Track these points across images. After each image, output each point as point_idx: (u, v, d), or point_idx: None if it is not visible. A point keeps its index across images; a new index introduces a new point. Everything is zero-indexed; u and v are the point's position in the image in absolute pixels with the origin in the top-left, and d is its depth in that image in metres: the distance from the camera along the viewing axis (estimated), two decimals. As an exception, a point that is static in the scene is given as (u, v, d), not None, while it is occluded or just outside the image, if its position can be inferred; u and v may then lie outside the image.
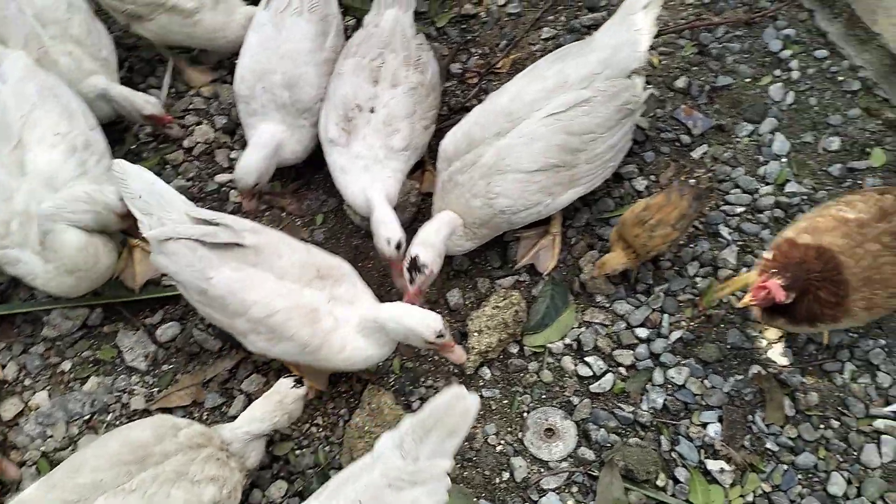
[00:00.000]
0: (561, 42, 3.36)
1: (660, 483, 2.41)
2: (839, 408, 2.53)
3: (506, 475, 2.46)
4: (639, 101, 2.63)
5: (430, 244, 2.48)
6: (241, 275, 2.24)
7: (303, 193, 3.04)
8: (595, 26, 3.36)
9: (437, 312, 2.28)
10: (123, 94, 2.89)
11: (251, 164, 2.70)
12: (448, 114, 3.21)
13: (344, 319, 2.28)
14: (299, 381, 2.29)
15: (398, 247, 2.56)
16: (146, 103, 2.92)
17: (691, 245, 2.84)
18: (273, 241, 2.32)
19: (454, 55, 3.40)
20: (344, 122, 2.72)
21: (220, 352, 2.69)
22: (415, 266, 2.45)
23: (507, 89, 2.61)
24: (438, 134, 3.12)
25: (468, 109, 3.15)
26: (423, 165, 3.02)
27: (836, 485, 2.41)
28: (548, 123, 2.47)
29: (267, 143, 2.74)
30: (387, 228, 2.55)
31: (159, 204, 2.32)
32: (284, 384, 2.27)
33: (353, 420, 2.44)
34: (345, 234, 2.94)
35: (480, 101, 3.18)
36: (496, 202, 2.50)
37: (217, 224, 2.30)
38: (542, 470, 2.46)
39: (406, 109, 2.71)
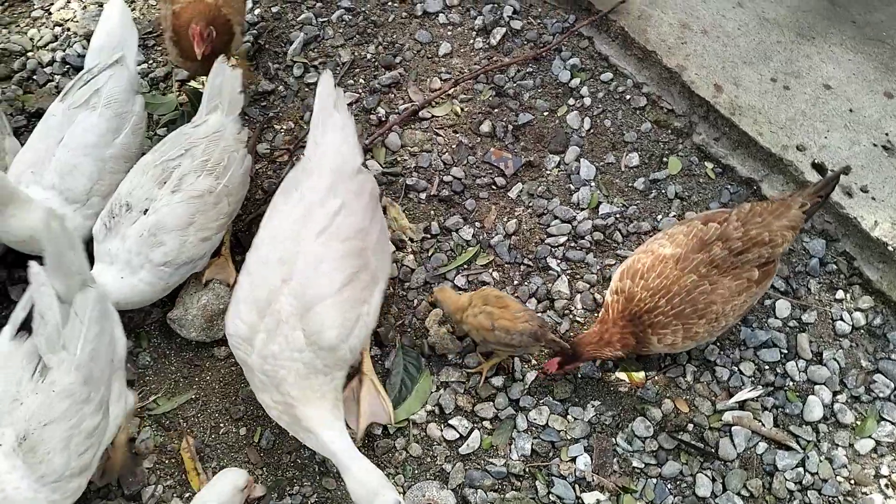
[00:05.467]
0: (364, 105, 3.36)
1: (544, 530, 2.44)
2: (689, 410, 2.67)
3: (394, 564, 2.39)
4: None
5: None
6: None
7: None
8: (394, 84, 3.42)
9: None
10: None
11: None
12: (263, 197, 3.12)
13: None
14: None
15: None
16: None
17: (525, 283, 2.90)
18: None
19: (259, 135, 3.32)
20: (108, 217, 2.59)
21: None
22: None
23: (260, 244, 2.42)
24: (257, 220, 3.05)
25: (284, 189, 3.11)
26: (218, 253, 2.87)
27: (703, 486, 2.52)
28: (323, 242, 2.34)
29: None
30: None
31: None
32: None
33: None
34: (174, 348, 2.76)
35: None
36: (324, 337, 2.26)
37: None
38: (429, 549, 2.41)
39: (179, 220, 2.56)
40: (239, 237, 3.00)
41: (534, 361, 2.74)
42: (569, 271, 2.94)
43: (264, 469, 2.53)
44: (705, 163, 3.18)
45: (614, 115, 3.32)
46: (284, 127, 3.35)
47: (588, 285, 2.90)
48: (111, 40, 2.92)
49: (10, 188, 2.48)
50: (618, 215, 3.05)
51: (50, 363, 2.07)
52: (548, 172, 3.18)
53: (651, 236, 2.96)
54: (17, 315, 2.14)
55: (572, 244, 3.00)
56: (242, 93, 2.84)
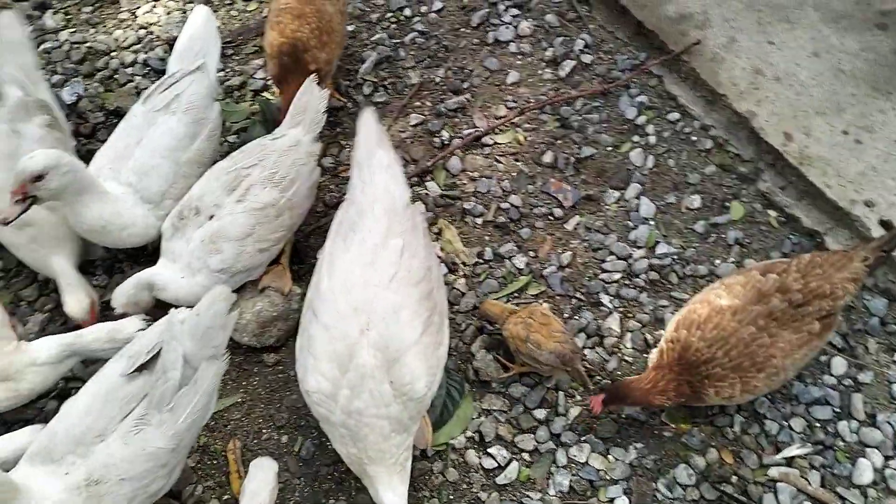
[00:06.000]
0: (429, 127, 3.41)
1: (576, 570, 2.41)
2: (735, 462, 2.61)
3: (422, 587, 2.39)
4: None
5: None
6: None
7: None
8: (460, 109, 3.45)
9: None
10: None
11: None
12: (325, 210, 3.18)
13: None
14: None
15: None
16: None
17: (576, 317, 2.89)
18: None
19: (325, 149, 3.38)
20: (178, 218, 2.69)
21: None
22: None
23: (329, 294, 2.27)
24: (317, 232, 3.11)
25: (344, 204, 3.16)
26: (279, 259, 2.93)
27: (743, 542, 2.47)
28: (395, 288, 2.25)
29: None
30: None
31: None
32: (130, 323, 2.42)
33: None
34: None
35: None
36: (415, 390, 2.20)
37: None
38: (458, 576, 2.40)
39: (239, 230, 2.64)
40: (297, 247, 3.05)
41: (578, 397, 2.72)
42: (621, 309, 2.91)
43: (302, 479, 2.56)
44: (769, 211, 3.13)
45: (679, 155, 3.29)
46: (350, 143, 3.41)
47: (639, 325, 2.87)
48: (194, 46, 3.03)
49: (90, 178, 2.58)
50: (675, 257, 3.01)
51: (151, 420, 2.05)
52: (607, 207, 3.17)
53: (707, 281, 2.93)
54: (140, 355, 2.11)
55: (626, 282, 2.97)
56: (325, 114, 2.91)
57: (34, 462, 2.05)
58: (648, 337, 2.84)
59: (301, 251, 3.05)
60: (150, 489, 2.10)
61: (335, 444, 2.29)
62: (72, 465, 2.02)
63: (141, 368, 2.10)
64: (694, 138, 3.33)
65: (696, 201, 3.16)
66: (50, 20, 3.77)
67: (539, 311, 2.64)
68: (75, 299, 2.66)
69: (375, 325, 2.19)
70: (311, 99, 2.87)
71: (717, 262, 3.02)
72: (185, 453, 2.21)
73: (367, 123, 2.54)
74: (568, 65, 3.55)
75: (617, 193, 3.19)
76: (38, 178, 2.44)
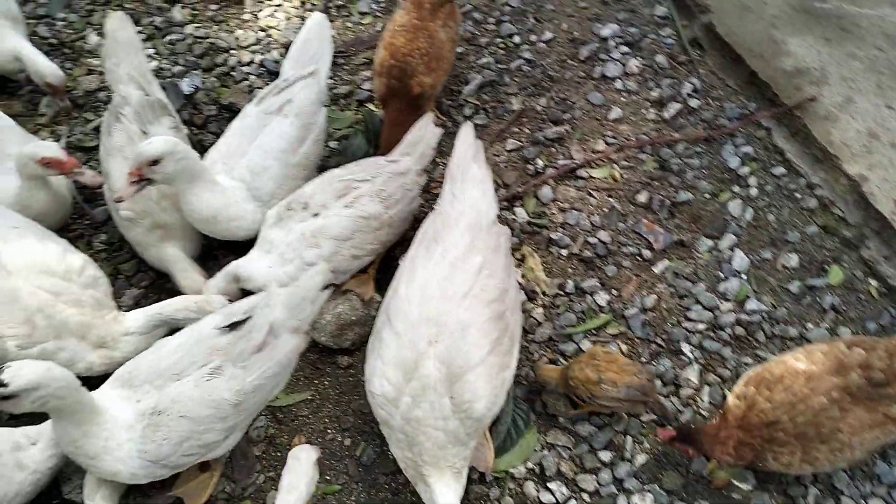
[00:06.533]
0: (524, 154, 3.41)
1: None
2: (806, 536, 2.48)
3: None
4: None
5: None
6: None
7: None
8: (558, 139, 3.45)
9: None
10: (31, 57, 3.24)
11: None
12: (412, 223, 3.21)
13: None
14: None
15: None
16: (49, 70, 3.22)
17: (653, 363, 2.82)
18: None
19: (420, 164, 3.43)
20: (285, 209, 2.78)
21: None
22: None
23: (406, 301, 2.30)
24: (402, 244, 3.14)
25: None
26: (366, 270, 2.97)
27: None
28: (468, 306, 2.26)
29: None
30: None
31: None
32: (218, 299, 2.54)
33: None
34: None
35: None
36: (474, 409, 2.21)
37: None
38: None
39: (341, 231, 2.71)
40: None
41: (647, 444, 2.64)
42: (702, 360, 2.83)
43: (359, 484, 2.57)
44: (870, 280, 2.99)
45: (780, 211, 3.19)
46: (444, 161, 3.45)
47: (719, 379, 2.77)
48: (308, 51, 3.13)
49: (202, 167, 2.68)
50: (765, 314, 2.91)
51: (225, 371, 2.19)
52: (698, 255, 3.09)
53: (796, 344, 2.82)
54: (235, 315, 2.27)
55: (710, 334, 2.89)
56: (435, 149, 2.99)
57: (114, 385, 2.25)
58: (727, 393, 2.74)
59: (386, 261, 3.09)
60: (203, 438, 2.21)
61: (392, 446, 2.32)
62: (146, 394, 2.19)
63: (235, 327, 2.24)
64: (798, 195, 3.22)
65: (793, 260, 3.05)
66: (178, 14, 3.97)
67: (599, 351, 2.59)
68: (191, 279, 2.80)
69: (444, 339, 2.22)
70: (426, 135, 2.97)
71: (809, 325, 2.90)
72: (245, 419, 2.31)
73: (465, 137, 2.60)
74: (673, 107, 3.50)
75: (710, 242, 3.11)
76: (155, 162, 2.56)
